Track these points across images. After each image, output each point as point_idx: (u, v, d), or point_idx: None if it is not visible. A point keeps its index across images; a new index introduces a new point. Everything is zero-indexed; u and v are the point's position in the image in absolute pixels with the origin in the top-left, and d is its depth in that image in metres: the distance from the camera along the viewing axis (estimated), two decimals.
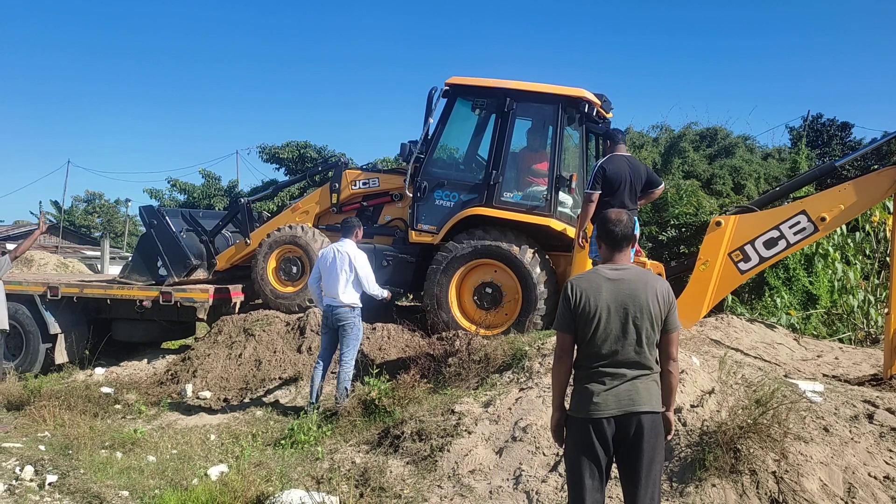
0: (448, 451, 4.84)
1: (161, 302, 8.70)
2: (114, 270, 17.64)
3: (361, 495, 4.50)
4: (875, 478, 4.22)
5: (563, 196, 7.79)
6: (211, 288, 8.79)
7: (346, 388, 6.62)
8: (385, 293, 7.07)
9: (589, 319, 3.05)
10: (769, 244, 6.91)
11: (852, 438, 4.57)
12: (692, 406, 4.68)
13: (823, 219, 6.73)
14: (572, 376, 3.18)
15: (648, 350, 3.06)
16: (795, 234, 6.83)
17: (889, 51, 75.35)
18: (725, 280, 7.08)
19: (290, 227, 8.73)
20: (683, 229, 12.09)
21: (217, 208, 18.57)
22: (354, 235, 6.99)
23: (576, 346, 3.14)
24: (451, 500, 4.44)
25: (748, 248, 6.95)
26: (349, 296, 6.71)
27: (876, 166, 12.36)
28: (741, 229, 6.99)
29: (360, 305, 6.80)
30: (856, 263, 10.08)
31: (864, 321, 9.46)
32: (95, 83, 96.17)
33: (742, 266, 7.00)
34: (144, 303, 8.84)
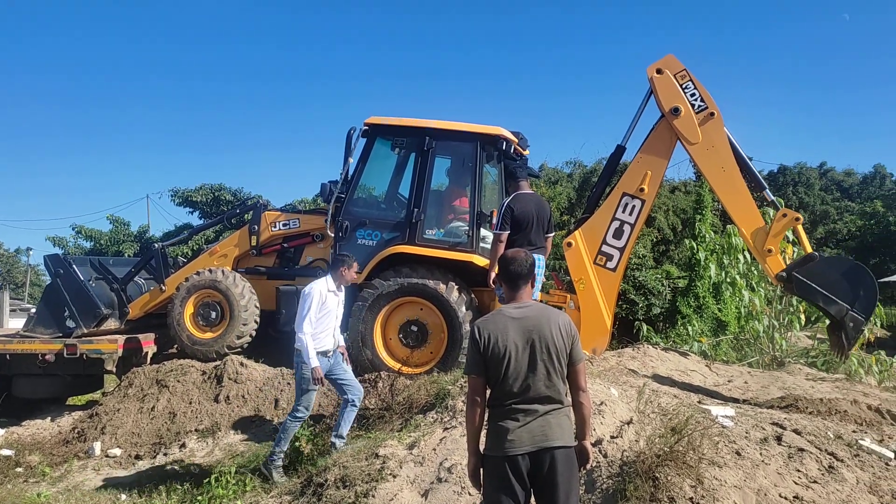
0: (373, 496, 4.71)
1: (66, 355, 8.21)
2: (14, 323, 16.61)
3: None
4: (785, 498, 4.39)
5: (484, 232, 7.90)
6: (120, 338, 8.39)
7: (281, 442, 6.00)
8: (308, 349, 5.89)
9: (499, 360, 3.10)
10: (617, 234, 7.45)
11: (763, 461, 4.75)
12: (612, 437, 4.76)
13: (642, 189, 7.35)
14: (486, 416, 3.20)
15: (558, 383, 3.14)
16: (630, 214, 7.41)
17: (798, 85, 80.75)
18: (605, 286, 7.48)
19: (210, 270, 8.48)
20: None
21: (126, 255, 17.85)
22: (339, 274, 6.08)
23: (487, 388, 3.18)
24: None
25: (605, 248, 7.46)
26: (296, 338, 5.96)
27: None
28: (589, 237, 7.51)
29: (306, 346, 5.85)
30: (759, 290, 10.66)
31: (770, 345, 9.96)
32: None
33: (610, 265, 7.47)
34: (47, 356, 8.31)
